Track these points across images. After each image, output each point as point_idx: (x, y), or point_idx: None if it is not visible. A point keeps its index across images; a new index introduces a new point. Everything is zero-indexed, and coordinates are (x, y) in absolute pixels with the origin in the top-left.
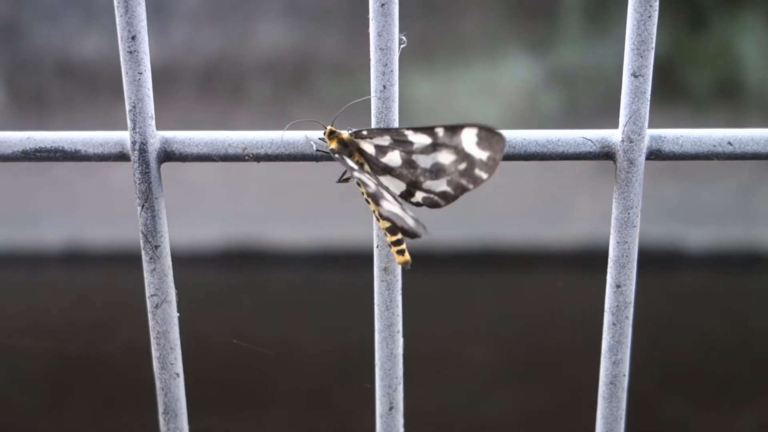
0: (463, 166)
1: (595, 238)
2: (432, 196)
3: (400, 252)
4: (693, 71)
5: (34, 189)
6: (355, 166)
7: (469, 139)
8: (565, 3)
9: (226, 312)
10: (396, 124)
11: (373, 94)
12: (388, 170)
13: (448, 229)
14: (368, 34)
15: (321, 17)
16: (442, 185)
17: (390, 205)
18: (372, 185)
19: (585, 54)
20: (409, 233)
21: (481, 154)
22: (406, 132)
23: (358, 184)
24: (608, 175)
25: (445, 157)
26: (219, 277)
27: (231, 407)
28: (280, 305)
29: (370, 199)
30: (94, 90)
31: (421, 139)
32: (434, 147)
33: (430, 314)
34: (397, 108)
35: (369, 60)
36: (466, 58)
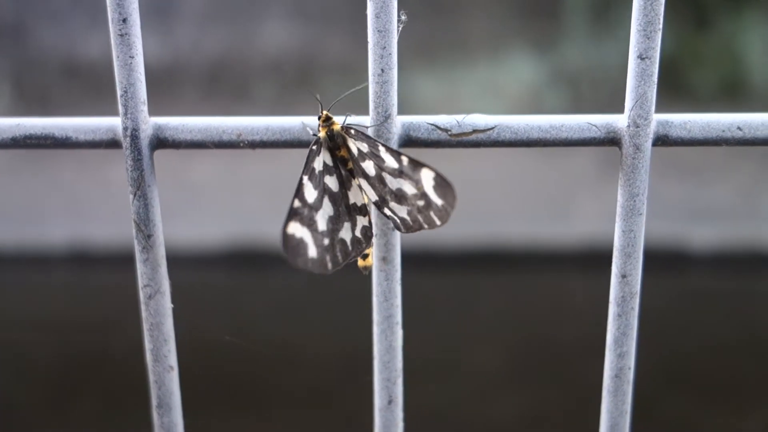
0: (421, 203)
1: (599, 238)
2: (395, 217)
3: (363, 256)
4: (697, 70)
5: (39, 189)
6: (311, 172)
7: (427, 180)
8: (569, 3)
9: (229, 311)
10: (395, 110)
11: (371, 78)
12: (365, 175)
13: (450, 229)
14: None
15: (325, 18)
16: (403, 212)
17: (299, 229)
18: (297, 202)
19: (589, 54)
20: (305, 264)
21: (436, 199)
22: (380, 147)
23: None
24: (612, 174)
25: (408, 188)
26: (222, 277)
27: (233, 406)
28: (283, 305)
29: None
30: (99, 91)
31: (390, 161)
32: (400, 173)
33: (432, 314)
34: (395, 93)
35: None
36: (469, 58)
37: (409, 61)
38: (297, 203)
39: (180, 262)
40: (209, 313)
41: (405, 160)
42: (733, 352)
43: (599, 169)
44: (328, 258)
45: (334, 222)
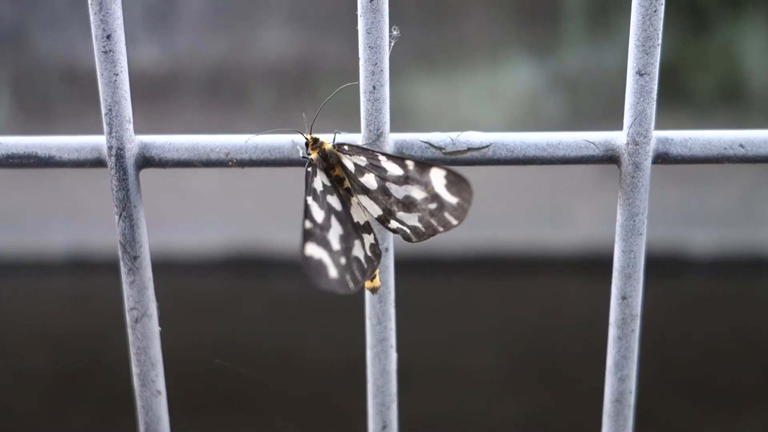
0: (433, 205)
1: (597, 243)
2: (404, 228)
3: (371, 278)
4: (696, 75)
5: (39, 196)
6: (313, 193)
7: (438, 180)
8: (567, 8)
9: (228, 318)
10: (387, 127)
11: (362, 95)
12: (365, 191)
13: (449, 234)
14: None
15: (324, 24)
16: (413, 219)
17: (316, 250)
18: (308, 223)
19: (588, 59)
20: (328, 285)
21: (450, 199)
22: (380, 157)
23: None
24: (610, 178)
25: (417, 193)
26: (221, 283)
27: (233, 413)
28: (283, 311)
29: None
30: (99, 99)
31: (393, 168)
32: (406, 179)
33: (431, 319)
34: (387, 110)
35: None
36: (468, 63)
37: (408, 67)
38: (308, 224)
39: (178, 269)
40: (208, 320)
41: (410, 164)
42: (733, 357)
43: (598, 173)
44: (348, 277)
45: (346, 240)
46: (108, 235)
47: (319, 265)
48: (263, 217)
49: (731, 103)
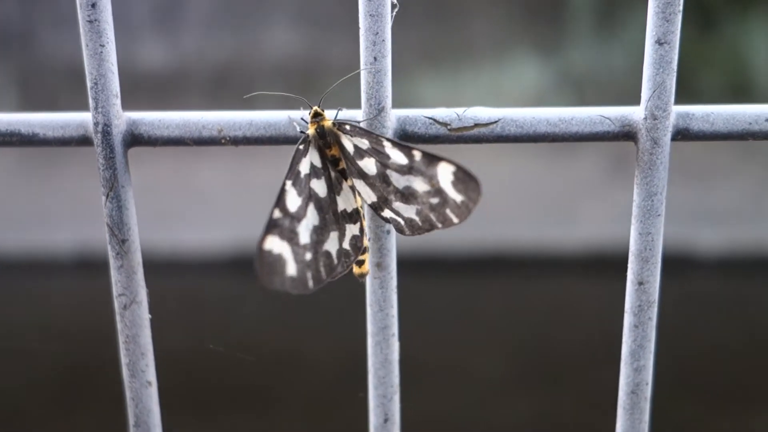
0: (435, 200)
1: (604, 242)
2: (399, 219)
3: (358, 263)
4: (703, 73)
5: (44, 195)
6: (295, 176)
7: (445, 175)
8: (573, 6)
9: (234, 316)
10: (388, 102)
11: (362, 67)
12: (362, 175)
13: (454, 232)
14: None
15: (330, 23)
16: (410, 212)
17: (277, 243)
18: (277, 212)
19: (593, 57)
20: (282, 284)
21: (455, 196)
22: (385, 143)
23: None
24: (618, 177)
25: (419, 185)
26: (228, 282)
27: (236, 412)
28: (288, 310)
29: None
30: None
31: (397, 157)
32: (410, 170)
33: (436, 319)
34: (389, 83)
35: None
36: (473, 61)
37: (413, 66)
38: (277, 213)
39: (185, 267)
40: (214, 318)
41: (418, 154)
42: (740, 356)
43: (604, 172)
44: (309, 275)
45: (319, 233)
46: None
47: (277, 261)
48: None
49: (738, 100)
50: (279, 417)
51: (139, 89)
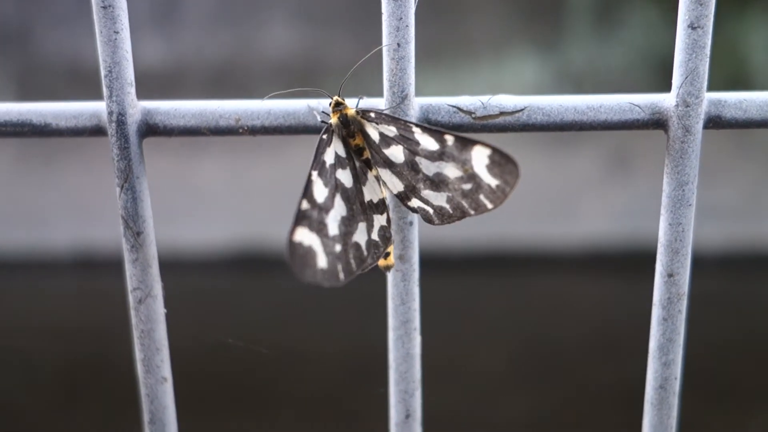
0: (468, 186)
1: (604, 240)
2: (427, 208)
3: (384, 255)
4: None
5: (44, 193)
6: (321, 166)
7: (479, 159)
8: (572, 4)
9: (235, 314)
10: (412, 89)
11: (385, 54)
12: (388, 164)
13: (454, 230)
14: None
15: (330, 22)
16: (440, 200)
17: (307, 235)
18: (305, 203)
19: (592, 55)
20: (314, 276)
21: (490, 180)
22: (414, 129)
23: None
24: (617, 175)
25: (451, 171)
26: (229, 280)
27: (238, 409)
28: (290, 308)
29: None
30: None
31: (428, 143)
32: (441, 155)
33: (436, 317)
34: (413, 70)
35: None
36: (473, 59)
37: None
38: (305, 204)
39: (186, 266)
40: (215, 316)
41: (450, 139)
42: (739, 354)
43: (604, 169)
44: (340, 267)
45: (348, 224)
46: (113, 232)
47: (308, 254)
48: (271, 213)
49: None
50: (279, 417)
51: (138, 87)
